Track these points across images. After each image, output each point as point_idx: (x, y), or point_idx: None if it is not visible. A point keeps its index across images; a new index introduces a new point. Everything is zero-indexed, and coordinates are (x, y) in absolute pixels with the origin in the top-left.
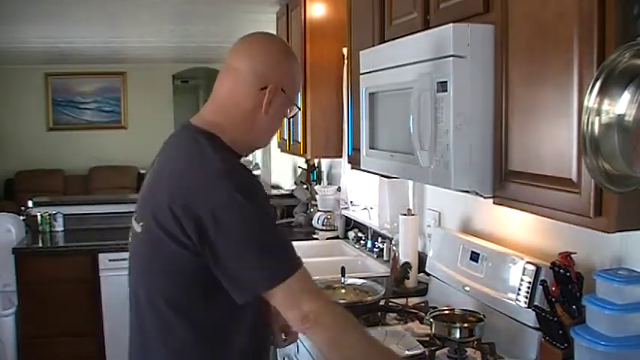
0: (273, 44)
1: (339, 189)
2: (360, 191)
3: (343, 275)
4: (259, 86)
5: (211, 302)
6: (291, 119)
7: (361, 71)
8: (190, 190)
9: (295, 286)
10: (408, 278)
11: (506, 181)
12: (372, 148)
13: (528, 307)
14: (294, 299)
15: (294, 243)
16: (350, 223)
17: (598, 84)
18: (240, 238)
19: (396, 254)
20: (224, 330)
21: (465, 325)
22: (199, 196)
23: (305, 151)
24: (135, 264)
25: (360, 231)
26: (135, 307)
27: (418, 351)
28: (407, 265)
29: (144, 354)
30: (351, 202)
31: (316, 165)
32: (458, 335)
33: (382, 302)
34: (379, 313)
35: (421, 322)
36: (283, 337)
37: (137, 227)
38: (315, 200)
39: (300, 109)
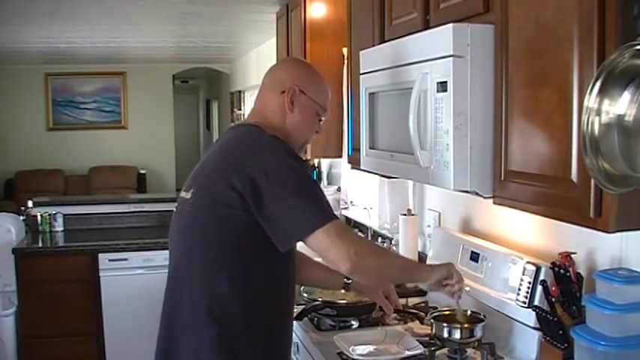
0: (292, 59)
1: (339, 189)
2: (360, 191)
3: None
4: (280, 90)
5: (250, 260)
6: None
7: (361, 71)
8: (244, 157)
9: (334, 230)
10: None
11: (506, 181)
12: (372, 148)
13: (528, 307)
14: (335, 241)
15: None
16: (350, 223)
17: (598, 84)
18: (288, 189)
19: None
20: (259, 286)
21: (466, 325)
22: (252, 160)
23: (305, 151)
24: (178, 227)
25: (360, 231)
26: (172, 265)
27: (418, 351)
28: None
29: (175, 306)
30: (351, 202)
31: (316, 165)
32: (458, 336)
33: None
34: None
35: (421, 322)
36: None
37: (186, 195)
38: None
39: (326, 111)
